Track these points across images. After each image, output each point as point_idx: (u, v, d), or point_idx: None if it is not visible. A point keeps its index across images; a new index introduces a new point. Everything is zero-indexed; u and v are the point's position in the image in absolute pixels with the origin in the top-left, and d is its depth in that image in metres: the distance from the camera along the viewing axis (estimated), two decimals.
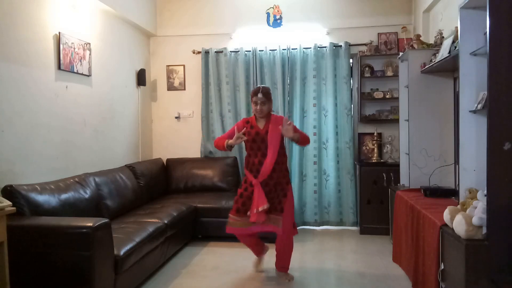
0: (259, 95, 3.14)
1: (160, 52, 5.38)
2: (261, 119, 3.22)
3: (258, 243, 3.45)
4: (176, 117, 5.37)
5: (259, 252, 3.49)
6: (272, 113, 3.29)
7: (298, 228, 4.81)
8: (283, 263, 3.34)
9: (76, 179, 3.36)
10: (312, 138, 4.92)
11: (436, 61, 3.26)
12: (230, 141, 3.13)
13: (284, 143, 3.36)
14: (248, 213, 3.11)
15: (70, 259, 2.43)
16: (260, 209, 3.04)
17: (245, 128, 3.15)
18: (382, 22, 4.93)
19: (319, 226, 4.94)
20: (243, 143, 3.26)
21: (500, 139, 1.99)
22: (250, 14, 5.13)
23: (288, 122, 3.02)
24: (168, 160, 5.20)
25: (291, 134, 3.02)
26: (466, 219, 2.09)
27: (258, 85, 3.50)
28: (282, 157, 3.22)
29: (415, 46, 3.82)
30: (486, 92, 2.12)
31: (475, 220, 2.06)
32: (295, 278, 3.34)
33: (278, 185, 3.17)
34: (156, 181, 4.74)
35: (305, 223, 4.96)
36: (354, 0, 4.98)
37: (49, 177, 3.23)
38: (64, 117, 3.55)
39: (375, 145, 4.79)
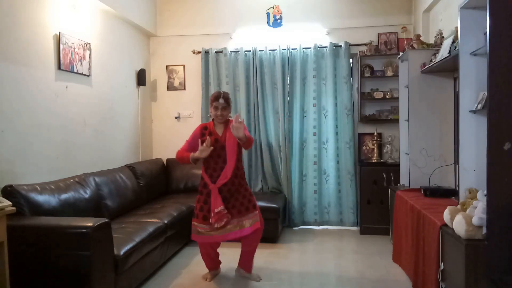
0: (221, 100, 3.12)
1: (160, 52, 5.38)
2: (219, 124, 3.20)
3: (217, 256, 3.40)
4: (176, 117, 5.37)
5: (216, 267, 3.42)
6: (230, 118, 3.26)
7: (298, 228, 4.91)
8: (250, 262, 3.32)
9: (76, 179, 3.36)
10: (312, 138, 4.94)
11: (436, 61, 3.26)
12: (195, 155, 3.05)
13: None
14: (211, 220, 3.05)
15: (70, 259, 2.43)
16: (216, 210, 3.02)
17: (208, 138, 3.06)
18: (382, 22, 4.93)
19: (319, 226, 4.93)
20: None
21: (500, 139, 1.99)
22: (250, 14, 5.13)
23: (240, 120, 2.95)
24: (168, 160, 5.19)
25: (241, 133, 2.93)
26: (466, 219, 2.09)
27: (217, 90, 3.43)
28: (240, 162, 3.22)
29: (415, 46, 3.82)
30: (486, 92, 2.12)
31: (475, 220, 2.06)
32: (295, 278, 3.33)
33: (240, 187, 3.16)
34: (156, 181, 4.74)
35: (305, 223, 4.96)
36: (354, 0, 4.98)
37: (49, 177, 3.23)
38: (64, 117, 3.55)
39: (375, 145, 4.79)
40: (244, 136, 2.98)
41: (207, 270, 3.37)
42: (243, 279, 3.31)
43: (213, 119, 3.25)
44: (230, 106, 3.22)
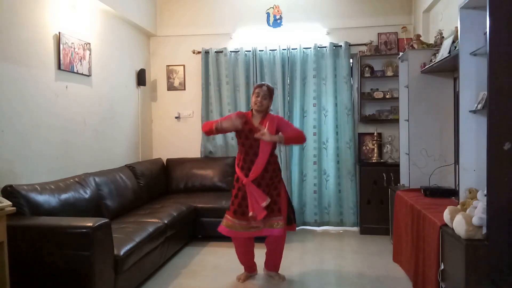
0: (264, 87, 3.10)
1: (160, 52, 5.38)
2: (257, 114, 3.13)
3: (252, 255, 3.32)
4: (176, 117, 5.37)
5: (252, 269, 3.35)
6: (271, 112, 3.26)
7: (298, 228, 4.88)
8: (275, 262, 3.28)
9: (76, 179, 3.36)
10: (312, 138, 4.92)
11: (436, 61, 3.26)
12: (224, 123, 2.97)
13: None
14: (251, 213, 3.00)
15: (70, 259, 2.43)
16: (264, 204, 2.98)
17: (234, 117, 3.00)
18: (382, 22, 4.93)
19: (319, 226, 4.93)
20: (235, 138, 3.17)
21: (500, 139, 1.99)
22: (250, 14, 5.13)
23: (260, 133, 2.93)
24: (168, 160, 5.19)
25: (268, 137, 2.94)
26: (466, 219, 2.09)
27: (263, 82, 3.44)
28: (274, 156, 3.16)
29: (415, 46, 3.82)
30: (486, 92, 2.12)
31: (475, 220, 2.06)
32: (295, 278, 3.33)
33: (271, 185, 3.09)
34: (156, 181, 4.74)
35: (305, 223, 4.95)
36: (354, 0, 4.98)
37: (49, 177, 3.23)
38: (64, 117, 3.55)
39: (375, 145, 4.79)
40: (278, 138, 2.98)
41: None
42: (250, 279, 3.31)
43: (251, 109, 3.19)
44: (272, 100, 3.18)
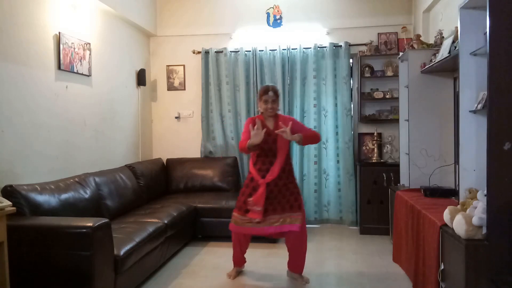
0: (270, 93, 3.12)
1: (160, 52, 5.38)
2: (269, 118, 3.19)
3: (244, 252, 3.39)
4: (176, 117, 5.37)
5: (241, 262, 3.41)
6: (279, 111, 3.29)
7: None
8: (298, 262, 3.24)
9: (76, 179, 3.36)
10: None
11: (436, 61, 3.26)
12: (251, 141, 2.99)
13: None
14: (250, 200, 3.06)
15: (70, 259, 2.43)
16: (257, 209, 3.02)
17: (258, 121, 3.02)
18: (382, 22, 4.93)
19: (318, 224, 4.95)
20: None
21: (500, 139, 2.00)
22: (250, 14, 5.13)
23: (283, 130, 2.97)
24: (168, 160, 5.19)
25: (290, 137, 2.99)
26: (466, 219, 2.09)
27: (265, 85, 3.43)
28: (289, 157, 3.23)
29: (415, 46, 3.82)
30: (486, 92, 2.12)
31: (475, 220, 2.05)
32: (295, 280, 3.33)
33: (289, 183, 3.16)
34: (156, 181, 4.74)
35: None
36: (354, 0, 4.98)
37: (49, 177, 3.23)
38: (64, 117, 3.55)
39: (375, 145, 4.79)
40: (298, 137, 3.01)
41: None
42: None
43: (261, 113, 3.21)
44: (279, 98, 3.22)
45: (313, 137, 3.23)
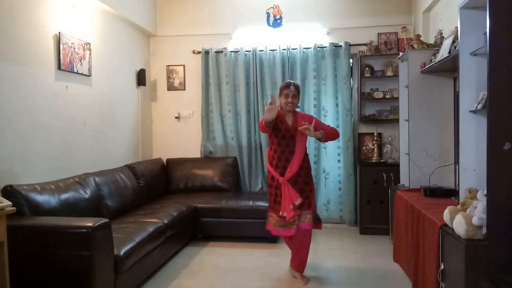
0: (291, 87, 3.13)
1: (160, 52, 5.38)
2: (289, 113, 3.19)
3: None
4: (176, 117, 5.37)
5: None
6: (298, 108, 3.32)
7: None
8: (300, 260, 3.25)
9: (76, 179, 3.36)
10: (312, 137, 4.91)
11: (436, 61, 3.26)
12: (266, 117, 2.98)
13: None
14: (281, 213, 3.07)
15: (70, 259, 2.43)
16: (297, 203, 3.03)
17: (272, 96, 3.00)
18: (382, 22, 4.93)
19: None
20: (267, 138, 3.21)
21: (500, 139, 1.99)
22: (250, 14, 5.13)
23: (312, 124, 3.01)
24: (168, 160, 5.20)
25: (313, 134, 3.02)
26: (466, 219, 2.09)
27: (287, 81, 3.46)
28: (306, 154, 3.24)
29: (415, 46, 3.82)
30: (486, 92, 2.12)
31: (475, 220, 2.05)
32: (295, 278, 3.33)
33: (309, 179, 3.18)
34: (156, 181, 4.74)
35: None
36: (354, 0, 4.98)
37: (49, 177, 3.23)
38: (64, 117, 3.55)
39: (375, 145, 4.79)
40: (320, 134, 3.05)
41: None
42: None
43: (281, 108, 3.21)
44: (299, 95, 3.24)
45: (333, 134, 3.25)
